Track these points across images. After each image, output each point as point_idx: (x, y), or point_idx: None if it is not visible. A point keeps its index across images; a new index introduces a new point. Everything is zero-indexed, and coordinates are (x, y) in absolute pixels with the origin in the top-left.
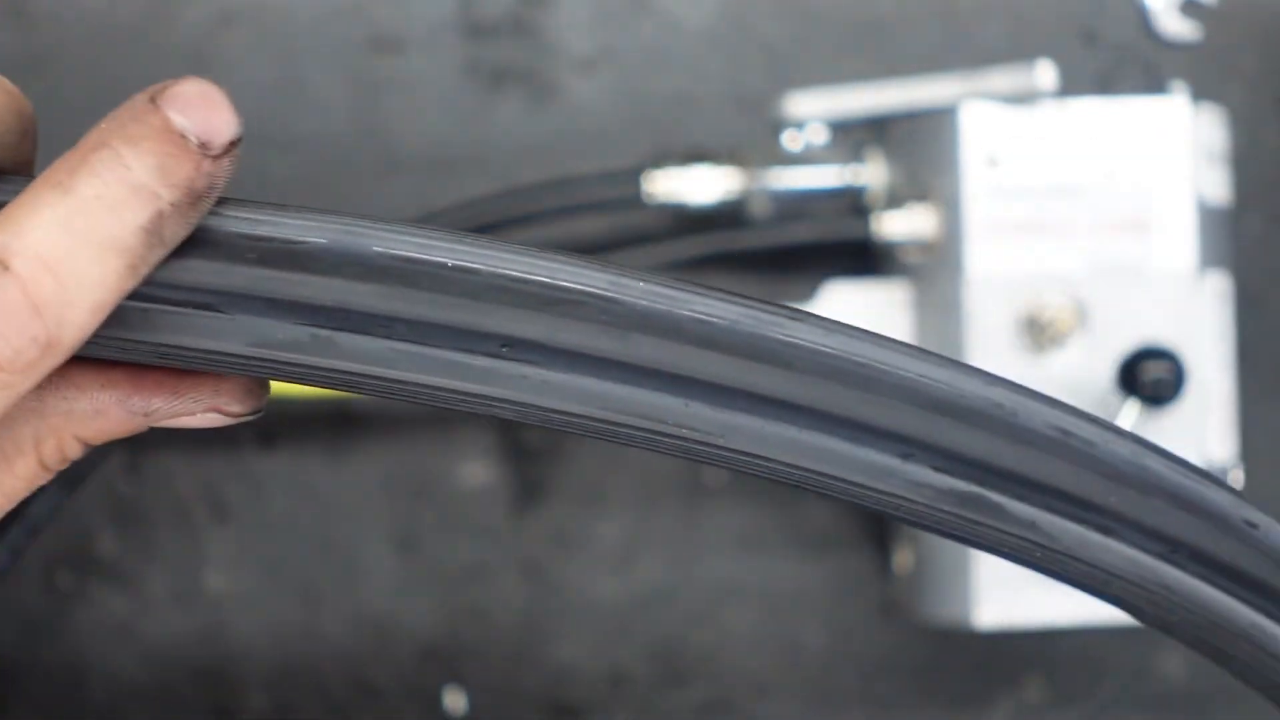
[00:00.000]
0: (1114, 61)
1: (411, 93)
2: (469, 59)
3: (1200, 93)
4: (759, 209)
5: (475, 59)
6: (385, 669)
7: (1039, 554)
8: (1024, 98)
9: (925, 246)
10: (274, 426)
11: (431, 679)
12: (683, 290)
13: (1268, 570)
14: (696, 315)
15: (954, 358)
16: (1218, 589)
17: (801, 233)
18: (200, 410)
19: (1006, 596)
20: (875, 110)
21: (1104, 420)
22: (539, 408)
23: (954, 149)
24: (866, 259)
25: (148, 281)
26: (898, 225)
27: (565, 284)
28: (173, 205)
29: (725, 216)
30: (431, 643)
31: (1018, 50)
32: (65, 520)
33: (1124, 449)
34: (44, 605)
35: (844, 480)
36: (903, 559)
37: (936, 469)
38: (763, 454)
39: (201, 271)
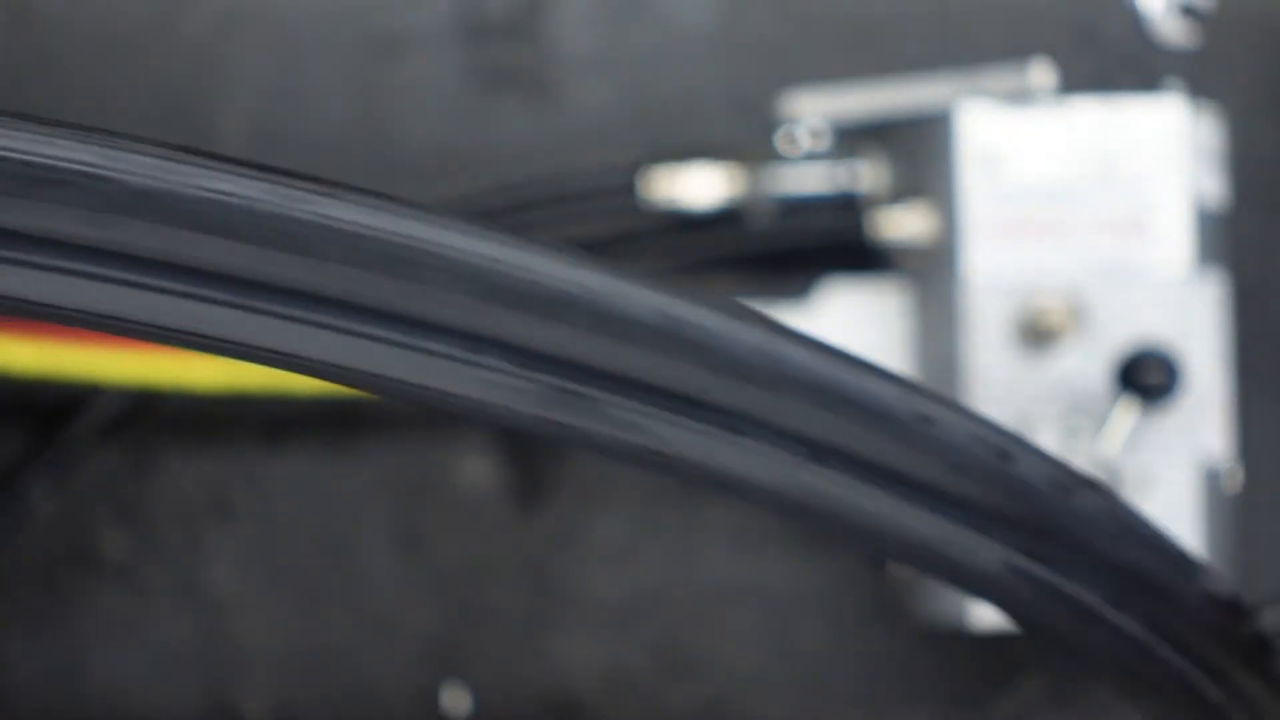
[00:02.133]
0: (1111, 61)
1: (412, 93)
2: (469, 60)
3: (1198, 92)
4: (758, 209)
5: (475, 60)
6: (385, 668)
7: (654, 459)
8: (1021, 97)
9: (923, 246)
10: (276, 426)
11: (432, 678)
12: (188, 163)
13: (942, 471)
14: (204, 194)
15: (951, 357)
16: (884, 494)
17: (801, 233)
18: None
19: None
20: (874, 110)
21: (735, 306)
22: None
23: (951, 149)
24: (865, 259)
25: None
26: (896, 225)
27: (44, 161)
28: None
29: (724, 217)
30: (431, 642)
31: (1015, 50)
32: (66, 519)
33: (752, 337)
34: (44, 605)
35: (400, 382)
36: None
37: (515, 367)
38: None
39: None
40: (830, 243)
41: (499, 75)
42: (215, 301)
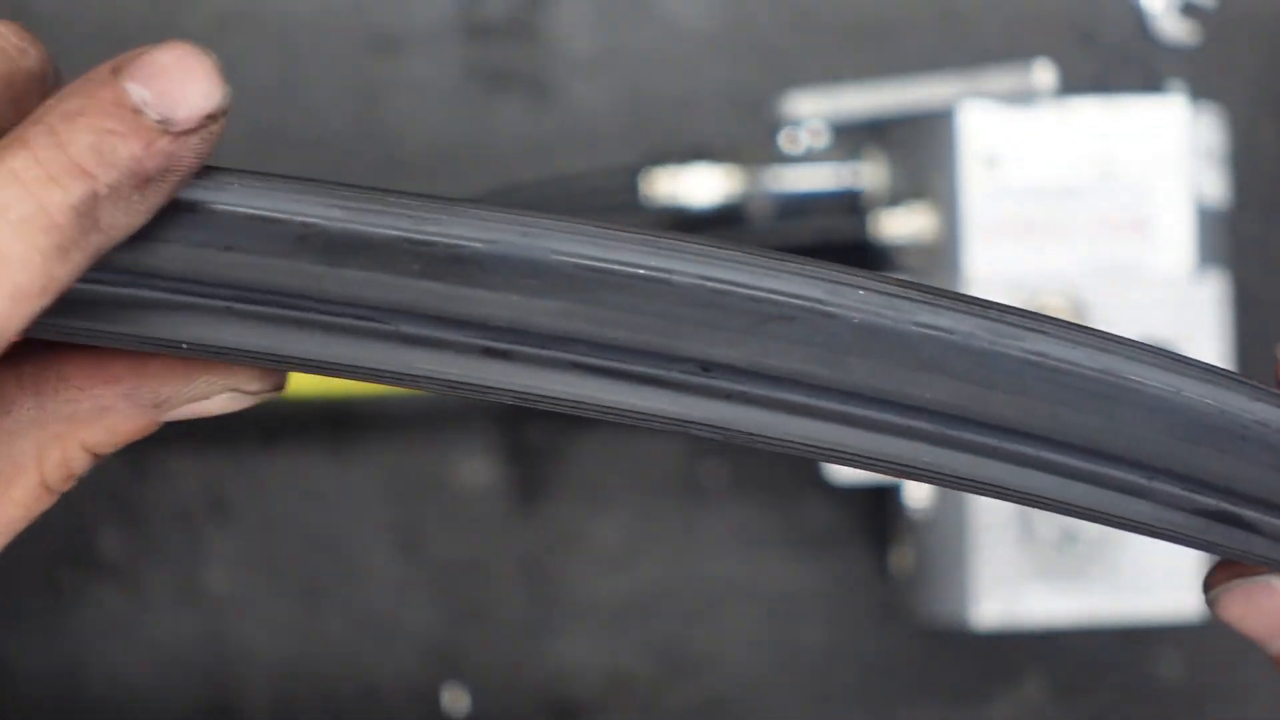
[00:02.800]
0: (1113, 62)
1: (412, 93)
2: (469, 60)
3: (1198, 93)
4: (758, 209)
5: (475, 60)
6: (385, 668)
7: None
8: (1023, 98)
9: (924, 247)
10: (275, 426)
11: (432, 678)
12: (907, 296)
13: None
14: (924, 331)
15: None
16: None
17: (801, 233)
18: (216, 393)
19: (1005, 596)
20: (875, 110)
21: None
22: (742, 433)
23: (953, 149)
24: (866, 259)
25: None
26: (897, 225)
27: (772, 296)
28: (110, 187)
29: (725, 217)
30: (431, 642)
31: (1016, 50)
32: (66, 519)
33: None
34: (44, 605)
35: (1082, 508)
36: (901, 559)
37: (1184, 492)
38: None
39: (372, 286)
40: (831, 242)
41: (499, 75)
42: (926, 437)
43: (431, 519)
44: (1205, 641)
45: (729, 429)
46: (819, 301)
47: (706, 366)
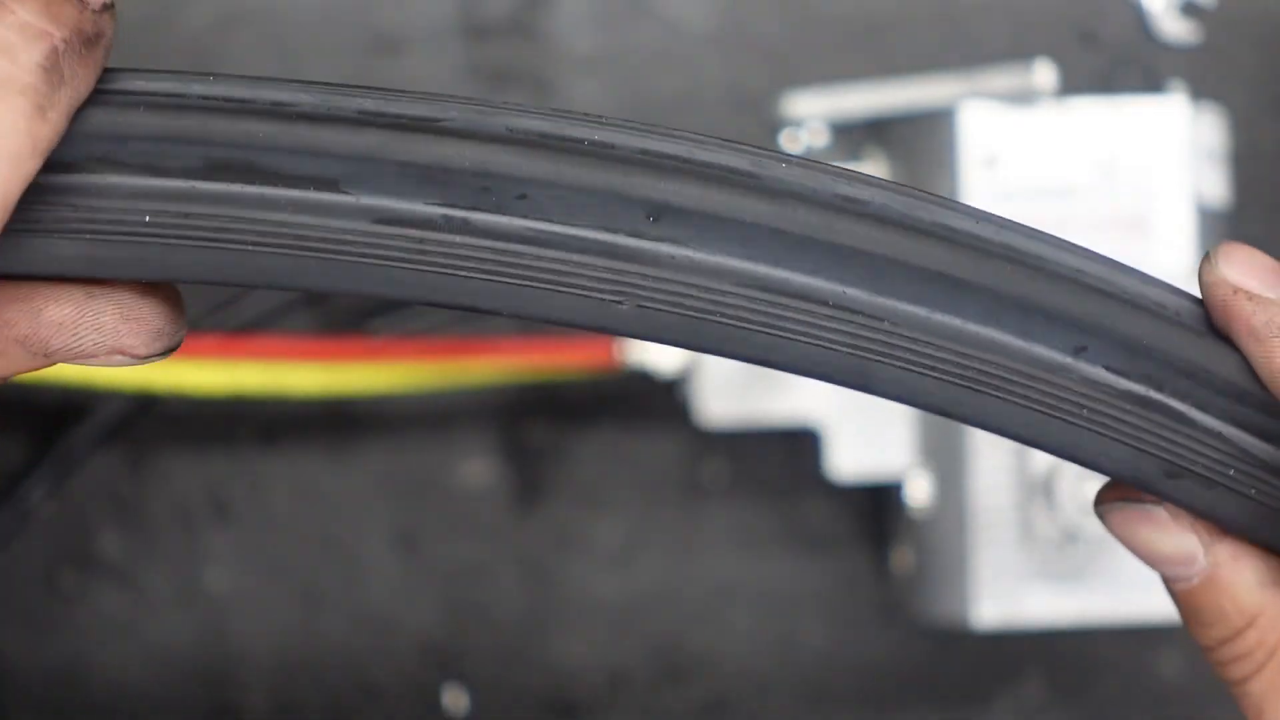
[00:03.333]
0: (1113, 61)
1: None
2: (469, 59)
3: (1199, 93)
4: None
5: (475, 59)
6: (385, 668)
7: (1232, 470)
8: (1023, 97)
9: None
10: (275, 426)
11: (432, 678)
12: (828, 170)
13: None
14: (844, 193)
15: None
16: None
17: None
18: (103, 353)
19: (1005, 596)
20: (875, 110)
21: None
22: (686, 288)
23: (953, 149)
24: None
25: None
26: None
27: (707, 159)
28: (65, 42)
29: None
30: (431, 642)
31: (1017, 50)
32: (65, 519)
33: None
34: (44, 605)
35: (1011, 374)
36: (901, 559)
37: (1110, 368)
38: (928, 342)
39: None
40: None
41: (499, 75)
42: (863, 289)
43: (431, 519)
44: None
45: (672, 286)
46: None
47: (654, 216)
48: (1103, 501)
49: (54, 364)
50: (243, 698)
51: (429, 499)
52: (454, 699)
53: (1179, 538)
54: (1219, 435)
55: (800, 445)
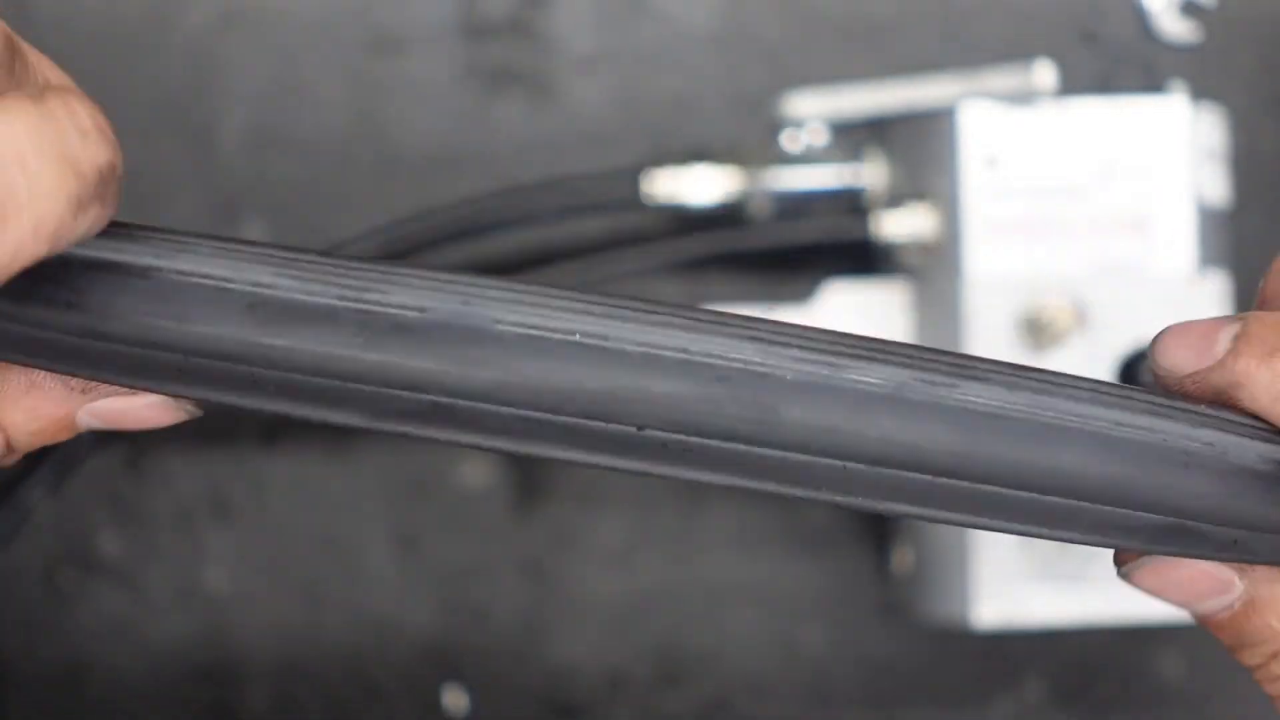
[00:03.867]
0: (1113, 61)
1: (411, 93)
2: (469, 59)
3: (1199, 92)
4: (759, 209)
5: (475, 59)
6: (385, 668)
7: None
8: (1023, 97)
9: (925, 246)
10: (275, 426)
11: (431, 678)
12: (841, 352)
13: None
14: (857, 384)
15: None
16: None
17: (801, 233)
18: (147, 401)
19: (1005, 596)
20: (875, 110)
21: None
22: (681, 479)
23: (953, 149)
24: (866, 259)
25: None
26: (897, 225)
27: (707, 361)
28: (115, 168)
29: (725, 216)
30: (431, 642)
31: (1017, 50)
32: (65, 519)
33: None
34: (44, 605)
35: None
36: (901, 559)
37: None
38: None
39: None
40: (831, 242)
41: (499, 75)
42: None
43: (431, 519)
44: (1205, 641)
45: (667, 478)
46: (753, 362)
47: (641, 428)
48: (1124, 562)
49: (84, 414)
50: (242, 697)
51: (429, 499)
52: (454, 699)
53: (1213, 571)
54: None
55: None
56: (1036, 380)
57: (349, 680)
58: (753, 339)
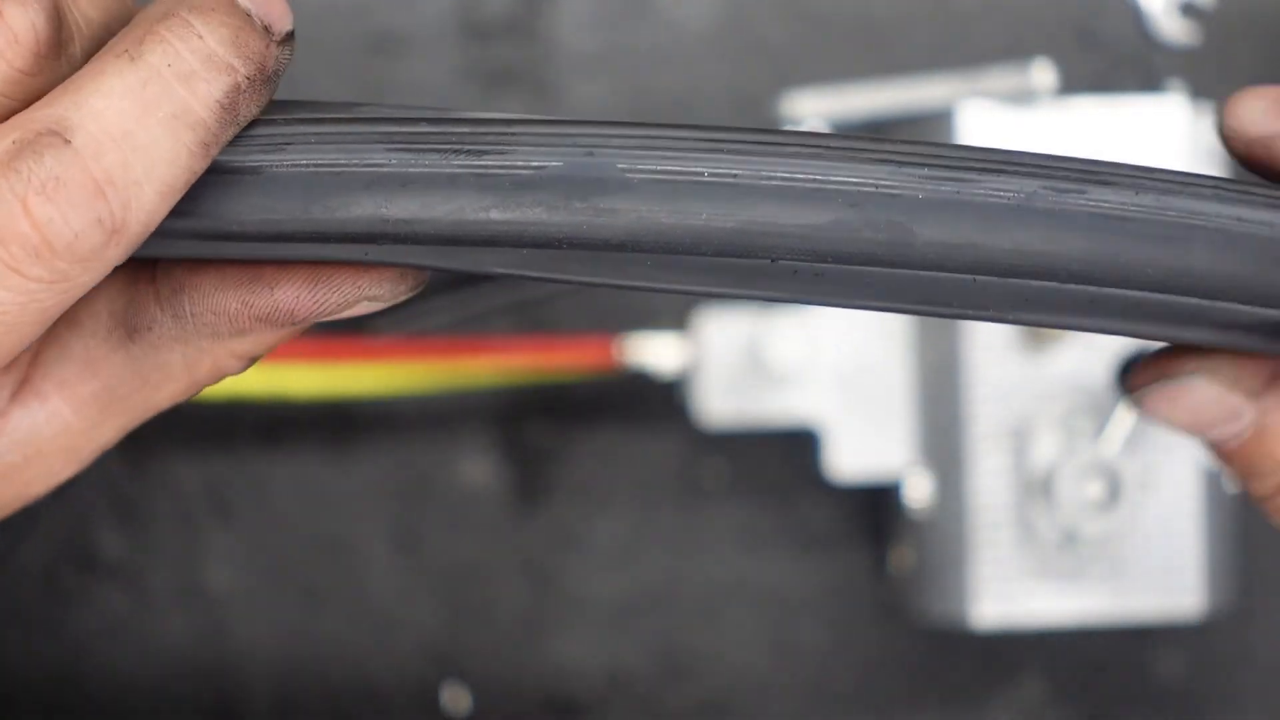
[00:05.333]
0: (1113, 61)
1: (412, 93)
2: (469, 59)
3: (1199, 92)
4: None
5: (475, 59)
6: (386, 667)
7: None
8: (1023, 97)
9: None
10: (275, 426)
11: (432, 677)
12: (969, 165)
13: None
14: (988, 197)
15: (952, 358)
16: None
17: None
18: (349, 307)
19: (1005, 596)
20: (875, 110)
21: None
22: (810, 303)
23: None
24: None
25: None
26: None
27: (837, 187)
28: (248, 80)
29: None
30: (432, 641)
31: (1016, 50)
32: (66, 518)
33: None
34: (44, 604)
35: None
36: (901, 559)
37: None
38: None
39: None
40: None
41: (499, 75)
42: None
43: (432, 519)
44: (1205, 642)
45: (801, 301)
46: (884, 184)
47: (775, 259)
48: (1135, 387)
49: (307, 326)
50: (243, 697)
51: (429, 499)
52: (454, 699)
53: (1223, 397)
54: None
55: (800, 445)
56: (1161, 181)
57: (349, 680)
58: (882, 160)
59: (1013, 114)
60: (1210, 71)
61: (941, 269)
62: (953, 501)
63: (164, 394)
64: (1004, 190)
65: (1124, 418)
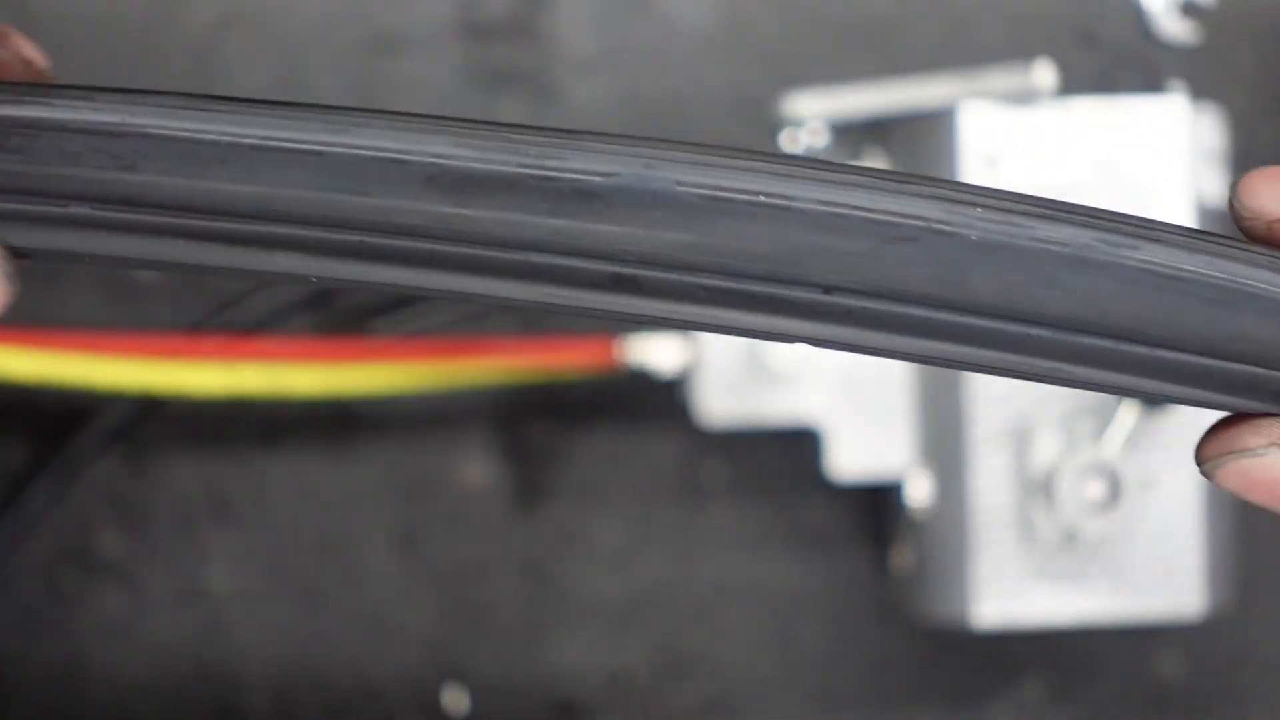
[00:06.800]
0: (1113, 61)
1: (411, 93)
2: (469, 59)
3: (1199, 93)
4: None
5: (475, 59)
6: (386, 668)
7: None
8: (1023, 98)
9: None
10: (275, 426)
11: (432, 678)
12: (1025, 211)
13: None
14: (1043, 245)
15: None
16: None
17: None
18: None
19: (1005, 596)
20: (875, 110)
21: None
22: (861, 348)
23: (953, 149)
24: None
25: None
26: None
27: (889, 219)
28: None
29: None
30: (432, 642)
31: (1017, 50)
32: (66, 519)
33: None
34: (44, 605)
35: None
36: (901, 559)
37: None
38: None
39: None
40: None
41: (499, 75)
42: (1046, 348)
43: (431, 519)
44: (1205, 641)
45: (851, 345)
46: (938, 221)
47: (828, 290)
48: (1205, 459)
49: None
50: (243, 697)
51: (429, 499)
52: (454, 699)
53: None
54: None
55: (800, 445)
56: (1215, 243)
57: (349, 680)
58: (937, 198)
59: (1013, 114)
60: (1210, 71)
61: (991, 315)
62: (953, 502)
63: None
64: (1059, 238)
65: (1125, 419)
